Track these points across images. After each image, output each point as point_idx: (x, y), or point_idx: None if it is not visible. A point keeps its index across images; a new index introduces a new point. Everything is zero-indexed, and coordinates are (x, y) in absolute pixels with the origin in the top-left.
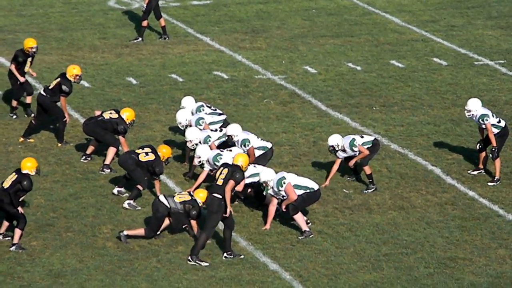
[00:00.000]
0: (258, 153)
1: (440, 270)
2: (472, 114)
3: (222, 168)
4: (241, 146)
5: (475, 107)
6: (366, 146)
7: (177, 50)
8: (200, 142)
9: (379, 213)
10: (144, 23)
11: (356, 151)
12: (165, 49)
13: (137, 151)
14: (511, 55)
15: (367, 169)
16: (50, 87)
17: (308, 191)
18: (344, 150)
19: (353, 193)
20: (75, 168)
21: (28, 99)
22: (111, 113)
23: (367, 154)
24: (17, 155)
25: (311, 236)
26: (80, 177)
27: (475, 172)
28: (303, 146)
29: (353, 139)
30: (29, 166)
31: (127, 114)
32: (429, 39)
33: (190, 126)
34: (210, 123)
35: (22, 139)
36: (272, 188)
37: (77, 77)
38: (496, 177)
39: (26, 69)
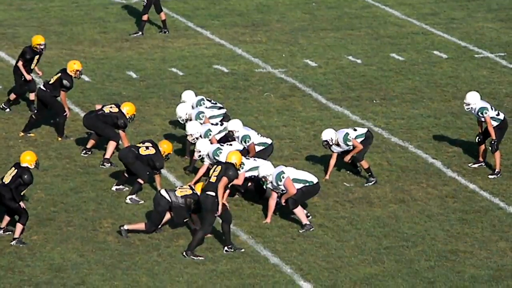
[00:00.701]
0: (258, 149)
1: (441, 263)
2: (471, 108)
3: (215, 165)
4: (241, 142)
5: (474, 100)
6: (359, 139)
7: (177, 44)
8: (200, 136)
9: (379, 206)
10: (145, 17)
11: (351, 145)
12: (165, 43)
13: (137, 145)
14: (511, 47)
15: (364, 164)
16: (50, 82)
17: (307, 184)
18: (338, 145)
19: (353, 187)
20: (76, 162)
21: (32, 96)
22: (111, 107)
23: (361, 148)
24: (18, 150)
25: (311, 229)
26: (80, 171)
27: (476, 165)
28: (303, 140)
29: (347, 133)
30: (28, 159)
31: (128, 109)
32: (429, 32)
33: (191, 120)
34: (210, 117)
35: (22, 133)
36: (271, 182)
37: (78, 72)
38: (496, 170)
39: (33, 66)
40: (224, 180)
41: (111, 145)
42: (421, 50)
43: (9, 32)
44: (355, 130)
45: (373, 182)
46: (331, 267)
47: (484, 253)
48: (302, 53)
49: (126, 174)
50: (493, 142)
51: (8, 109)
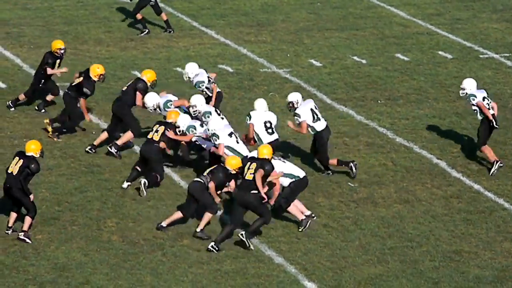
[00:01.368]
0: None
1: (446, 263)
2: (466, 93)
3: (249, 163)
4: (203, 117)
5: (469, 86)
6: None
7: (182, 43)
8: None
9: (384, 207)
10: (138, 16)
11: (299, 120)
12: (170, 43)
13: (152, 137)
14: None
15: (333, 161)
16: (73, 84)
17: (294, 179)
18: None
19: (358, 187)
20: (80, 162)
21: (49, 97)
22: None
23: (303, 133)
24: (22, 149)
25: (309, 223)
26: (85, 171)
27: (495, 169)
28: (308, 140)
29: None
30: (33, 148)
31: (148, 76)
32: (434, 32)
33: (159, 108)
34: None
35: (55, 138)
36: None
37: (101, 76)
38: (493, 161)
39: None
40: (261, 172)
41: (128, 135)
42: (426, 50)
43: (14, 31)
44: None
45: (329, 174)
46: (335, 267)
47: (488, 254)
48: (307, 53)
49: (139, 168)
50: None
51: (13, 109)
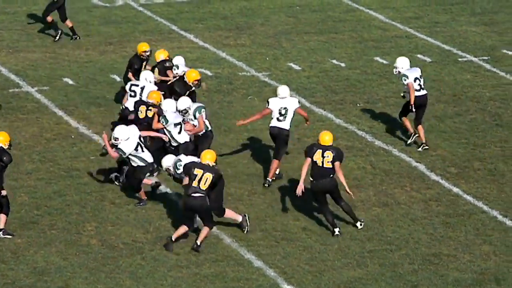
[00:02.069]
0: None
1: (425, 266)
2: (398, 72)
3: (324, 150)
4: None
5: (402, 64)
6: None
7: (161, 47)
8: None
9: (363, 210)
10: (49, 19)
11: (195, 121)
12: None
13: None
14: (495, 51)
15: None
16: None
17: None
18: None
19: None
20: (59, 166)
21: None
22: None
23: (199, 130)
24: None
25: (246, 228)
26: (64, 175)
27: (411, 140)
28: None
29: (200, 107)
30: (1, 140)
31: (193, 75)
32: (413, 36)
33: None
34: None
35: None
36: (174, 174)
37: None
38: (422, 142)
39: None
40: (338, 164)
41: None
42: (405, 53)
43: None
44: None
45: None
46: (314, 271)
47: (467, 257)
48: (286, 56)
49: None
50: (410, 107)
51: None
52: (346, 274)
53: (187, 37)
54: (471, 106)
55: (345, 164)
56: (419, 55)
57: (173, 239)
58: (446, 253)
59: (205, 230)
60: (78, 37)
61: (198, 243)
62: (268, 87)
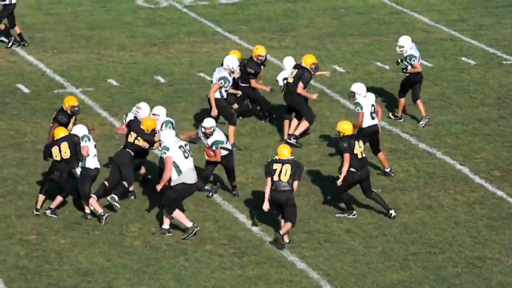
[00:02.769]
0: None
1: (468, 269)
2: (405, 51)
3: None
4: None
5: (406, 44)
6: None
7: (205, 49)
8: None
9: (407, 213)
10: (1, 27)
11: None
12: (193, 48)
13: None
14: None
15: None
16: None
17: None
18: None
19: (381, 193)
20: (103, 167)
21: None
22: None
23: (216, 160)
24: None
25: (193, 232)
26: (107, 176)
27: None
28: (331, 145)
29: (218, 142)
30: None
31: (309, 60)
32: (458, 38)
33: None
34: None
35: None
36: None
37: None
38: (422, 116)
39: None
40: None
41: (304, 124)
42: (449, 56)
43: (38, 37)
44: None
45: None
46: (358, 273)
47: (511, 260)
48: (330, 58)
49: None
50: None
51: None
52: (390, 277)
53: (232, 39)
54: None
55: (389, 167)
56: (463, 58)
57: (282, 234)
58: (490, 257)
59: (288, 225)
60: (26, 43)
61: (281, 234)
62: (312, 89)
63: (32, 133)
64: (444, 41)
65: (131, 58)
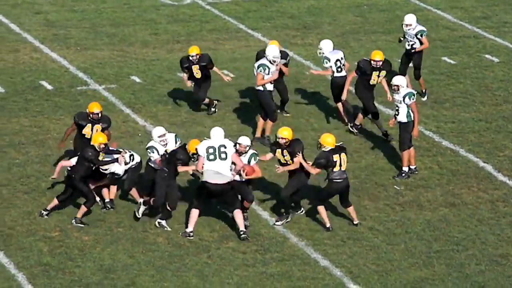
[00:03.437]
0: None
1: (492, 267)
2: (412, 28)
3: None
4: None
5: (413, 21)
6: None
7: (228, 46)
8: None
9: (430, 210)
10: None
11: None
12: (216, 45)
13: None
14: None
15: None
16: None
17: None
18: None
19: (404, 190)
20: None
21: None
22: None
23: (257, 176)
24: (68, 149)
25: (187, 236)
26: None
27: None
28: (354, 143)
29: (255, 155)
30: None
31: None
32: (481, 36)
33: None
34: None
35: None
36: None
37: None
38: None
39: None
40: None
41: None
42: (472, 53)
43: (61, 33)
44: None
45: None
46: (381, 270)
47: None
48: (354, 56)
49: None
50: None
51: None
52: (413, 274)
53: (255, 36)
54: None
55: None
56: (487, 56)
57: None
58: None
59: (352, 209)
60: None
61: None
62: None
63: (56, 130)
64: (468, 38)
65: (154, 55)
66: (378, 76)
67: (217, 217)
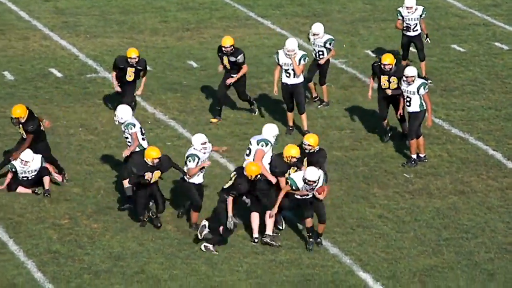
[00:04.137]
0: None
1: (501, 255)
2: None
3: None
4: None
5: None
6: None
7: (238, 33)
8: None
9: (439, 198)
10: None
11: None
12: (226, 33)
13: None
14: None
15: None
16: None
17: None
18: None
19: (413, 178)
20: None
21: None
22: None
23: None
24: (78, 138)
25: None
26: None
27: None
28: (363, 131)
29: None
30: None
31: None
32: (491, 24)
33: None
34: None
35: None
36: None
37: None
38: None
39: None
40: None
41: None
42: (482, 41)
43: (71, 21)
44: None
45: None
46: (390, 258)
47: None
48: (363, 43)
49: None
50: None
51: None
52: (422, 262)
53: (264, 23)
54: None
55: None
56: (496, 43)
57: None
58: None
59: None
60: None
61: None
62: (344, 74)
63: (65, 117)
64: (477, 26)
65: (163, 43)
66: (389, 81)
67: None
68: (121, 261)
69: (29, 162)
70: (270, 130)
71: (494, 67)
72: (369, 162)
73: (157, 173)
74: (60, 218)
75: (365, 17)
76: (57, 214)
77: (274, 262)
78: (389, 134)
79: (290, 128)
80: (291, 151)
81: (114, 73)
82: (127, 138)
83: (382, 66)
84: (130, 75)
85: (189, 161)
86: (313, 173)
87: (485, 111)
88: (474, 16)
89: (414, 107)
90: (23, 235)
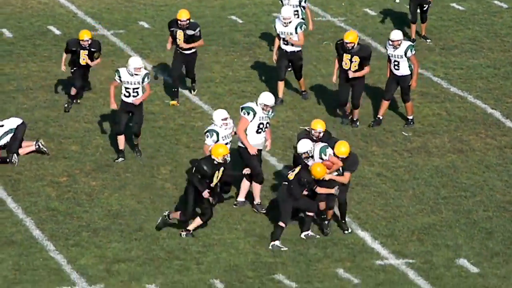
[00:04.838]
0: None
1: (499, 213)
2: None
3: None
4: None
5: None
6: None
7: None
8: None
9: (438, 156)
10: None
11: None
12: None
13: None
14: None
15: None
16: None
17: None
18: (312, 157)
19: (412, 136)
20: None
21: None
22: None
23: (337, 166)
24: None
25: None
26: None
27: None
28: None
29: (324, 147)
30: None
31: None
32: None
33: None
34: None
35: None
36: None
37: None
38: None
39: None
40: None
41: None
42: (481, 0)
43: None
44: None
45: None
46: (389, 217)
47: None
48: (362, 1)
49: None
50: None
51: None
52: (421, 220)
53: None
54: None
55: (420, 110)
56: (495, 1)
57: None
58: None
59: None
60: None
61: None
62: (343, 32)
63: (64, 75)
64: None
65: (162, 1)
66: (351, 61)
67: None
68: (120, 219)
69: None
70: (263, 98)
71: (493, 25)
72: (367, 121)
73: (221, 170)
74: (58, 176)
75: None
76: (56, 172)
77: (273, 220)
78: (373, 122)
79: (280, 99)
80: (317, 126)
81: (65, 55)
82: (136, 88)
83: (344, 43)
84: (83, 58)
85: (207, 137)
86: (305, 144)
87: (484, 70)
88: None
89: (403, 70)
90: (21, 193)
